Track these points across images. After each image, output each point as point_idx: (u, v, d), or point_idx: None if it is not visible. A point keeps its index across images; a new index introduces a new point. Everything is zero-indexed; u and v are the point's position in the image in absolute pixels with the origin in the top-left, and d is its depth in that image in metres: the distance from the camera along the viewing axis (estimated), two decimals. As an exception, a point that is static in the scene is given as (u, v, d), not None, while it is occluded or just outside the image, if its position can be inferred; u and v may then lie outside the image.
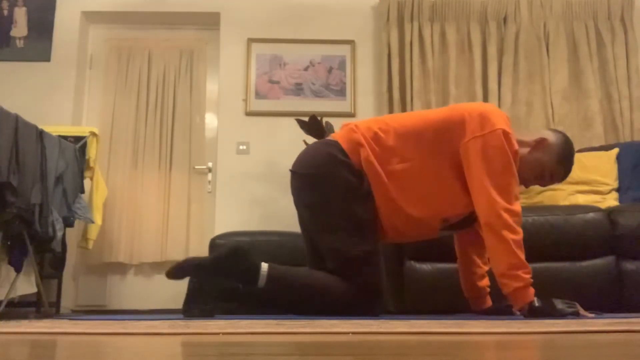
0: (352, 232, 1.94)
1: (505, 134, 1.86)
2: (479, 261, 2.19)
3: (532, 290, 1.81)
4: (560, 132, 2.04)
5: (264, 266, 1.89)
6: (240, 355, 0.78)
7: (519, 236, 1.83)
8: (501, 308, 2.12)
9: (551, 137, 2.00)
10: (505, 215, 1.81)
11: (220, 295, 1.90)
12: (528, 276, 1.80)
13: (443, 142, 1.92)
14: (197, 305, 1.86)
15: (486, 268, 2.21)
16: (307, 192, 2.04)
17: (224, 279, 1.89)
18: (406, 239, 2.15)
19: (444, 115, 1.95)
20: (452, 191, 1.93)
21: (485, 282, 2.20)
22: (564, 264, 2.47)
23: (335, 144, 2.01)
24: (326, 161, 1.99)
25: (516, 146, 1.89)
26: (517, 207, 1.85)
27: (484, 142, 1.86)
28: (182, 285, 2.01)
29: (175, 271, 1.88)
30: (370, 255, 1.95)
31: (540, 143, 1.99)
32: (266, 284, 1.88)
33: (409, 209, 1.94)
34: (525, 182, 2.03)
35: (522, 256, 1.81)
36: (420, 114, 2.02)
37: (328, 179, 1.97)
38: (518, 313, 2.01)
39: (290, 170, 2.10)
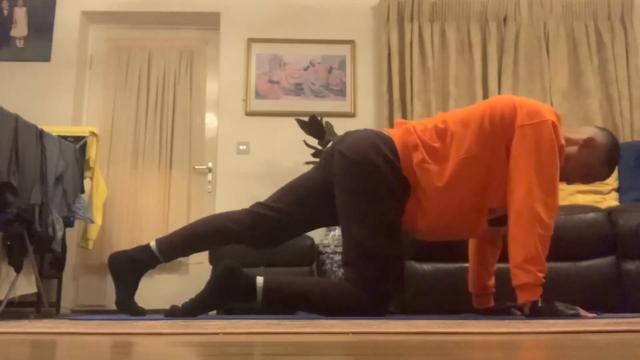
0: (383, 232, 1.92)
1: (554, 126, 1.86)
2: (491, 259, 2.19)
3: (540, 290, 1.80)
4: (608, 132, 2.02)
5: (259, 280, 1.88)
6: (240, 355, 0.78)
7: (548, 232, 1.81)
8: (502, 309, 2.12)
9: (599, 137, 1.98)
10: (541, 209, 1.79)
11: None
12: (541, 275, 1.79)
13: (497, 132, 1.90)
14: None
15: (495, 268, 2.21)
16: (348, 177, 1.98)
17: (224, 304, 1.93)
18: (451, 236, 2.09)
19: (496, 105, 1.93)
20: (505, 181, 1.90)
21: (492, 281, 2.20)
22: (564, 264, 2.47)
23: (389, 141, 1.97)
24: (372, 154, 1.94)
25: (562, 141, 1.88)
26: (555, 200, 1.83)
27: (532, 131, 1.84)
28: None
29: (174, 314, 1.92)
30: (393, 261, 1.93)
31: (589, 143, 1.97)
32: (263, 298, 1.88)
33: (461, 201, 1.91)
34: (569, 179, 2.03)
35: (543, 253, 1.79)
36: (473, 107, 2.00)
37: (371, 171, 1.94)
38: (518, 313, 2.01)
39: (337, 149, 2.04)
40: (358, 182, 1.96)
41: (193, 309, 1.90)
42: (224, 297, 1.88)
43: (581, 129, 2.04)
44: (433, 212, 1.94)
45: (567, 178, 2.02)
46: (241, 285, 1.87)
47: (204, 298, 1.88)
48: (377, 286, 1.91)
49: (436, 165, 1.92)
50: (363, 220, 1.93)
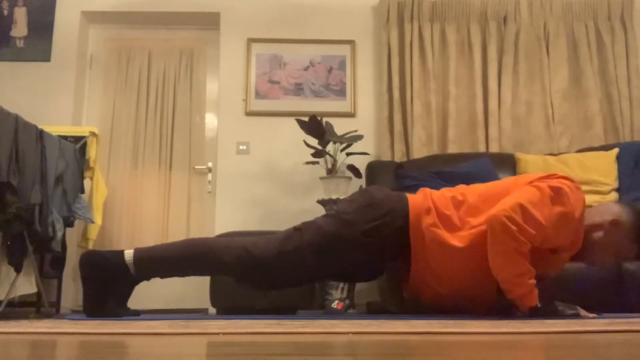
0: (326, 252, 1.91)
1: (577, 188, 1.86)
2: None
3: (536, 293, 1.80)
4: (628, 207, 2.00)
5: (128, 253, 1.90)
6: (240, 355, 0.78)
7: (525, 246, 1.77)
8: (501, 308, 2.12)
9: (623, 215, 1.96)
10: (517, 215, 1.76)
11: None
12: (532, 281, 1.79)
13: None
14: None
15: None
16: (347, 201, 2.02)
17: (110, 289, 1.90)
18: (463, 303, 2.06)
19: (516, 182, 1.94)
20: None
21: None
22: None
23: (405, 201, 1.96)
24: (382, 198, 1.96)
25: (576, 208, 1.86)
26: (537, 213, 1.79)
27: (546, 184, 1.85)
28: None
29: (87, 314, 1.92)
30: (302, 272, 1.93)
31: (615, 224, 1.94)
32: (137, 270, 1.89)
33: (474, 269, 1.88)
34: (603, 261, 2.01)
35: (527, 261, 1.78)
36: (494, 184, 2.00)
37: (368, 207, 1.94)
38: (519, 313, 2.01)
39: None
40: (351, 206, 1.97)
41: (89, 309, 1.91)
42: (103, 288, 1.89)
43: (602, 210, 2.00)
44: (450, 277, 1.91)
45: (601, 261, 2.00)
46: (109, 266, 1.89)
47: (87, 293, 1.91)
48: (270, 265, 1.90)
49: (447, 232, 1.89)
50: (322, 230, 1.93)
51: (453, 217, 1.91)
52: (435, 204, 1.94)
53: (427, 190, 2.02)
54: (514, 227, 1.75)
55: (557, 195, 1.82)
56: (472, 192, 1.97)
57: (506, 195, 1.89)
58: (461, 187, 2.02)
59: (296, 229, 1.97)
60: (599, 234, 1.95)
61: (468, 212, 1.91)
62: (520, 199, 1.79)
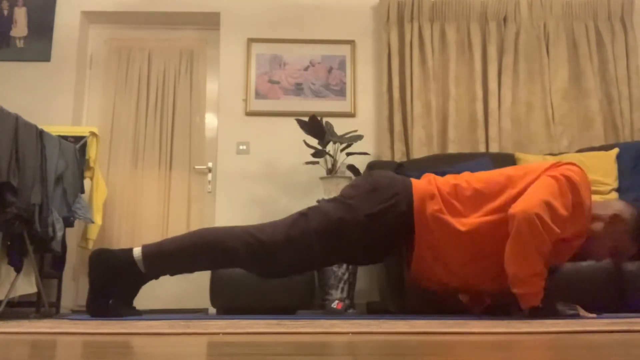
0: (332, 235, 1.91)
1: (582, 174, 1.87)
2: None
3: (541, 294, 1.79)
4: (633, 207, 1.99)
5: (137, 251, 1.88)
6: (240, 355, 0.78)
7: (547, 246, 1.76)
8: (500, 307, 2.12)
9: (625, 212, 1.96)
10: (545, 213, 1.75)
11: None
12: (542, 283, 1.78)
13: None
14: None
15: None
16: (351, 184, 2.02)
17: (116, 288, 1.88)
18: (464, 288, 2.08)
19: (525, 173, 1.94)
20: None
21: None
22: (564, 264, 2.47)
23: (409, 186, 1.95)
24: (386, 184, 1.96)
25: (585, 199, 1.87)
26: (561, 210, 1.79)
27: (559, 172, 1.86)
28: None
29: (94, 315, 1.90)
30: (310, 256, 1.92)
31: (615, 219, 1.94)
32: (147, 266, 1.87)
33: (483, 259, 1.89)
34: (599, 255, 2.00)
35: (543, 261, 1.76)
36: (498, 170, 2.00)
37: (371, 191, 1.94)
38: (517, 309, 2.01)
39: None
40: (355, 191, 1.97)
41: (92, 308, 1.88)
42: (110, 284, 1.86)
43: (606, 204, 2.00)
44: (452, 261, 1.91)
45: (598, 254, 1.99)
46: (118, 263, 1.86)
47: (92, 292, 1.87)
48: (277, 251, 1.90)
49: (452, 217, 1.89)
50: (328, 216, 1.93)
51: (457, 204, 1.91)
52: (439, 190, 1.94)
53: (431, 175, 2.02)
54: (541, 226, 1.74)
55: (571, 185, 1.83)
56: (477, 179, 1.96)
57: (513, 185, 1.89)
58: (466, 175, 2.01)
59: (301, 214, 1.97)
60: (598, 226, 1.95)
61: (472, 199, 1.91)
62: (545, 195, 1.78)
